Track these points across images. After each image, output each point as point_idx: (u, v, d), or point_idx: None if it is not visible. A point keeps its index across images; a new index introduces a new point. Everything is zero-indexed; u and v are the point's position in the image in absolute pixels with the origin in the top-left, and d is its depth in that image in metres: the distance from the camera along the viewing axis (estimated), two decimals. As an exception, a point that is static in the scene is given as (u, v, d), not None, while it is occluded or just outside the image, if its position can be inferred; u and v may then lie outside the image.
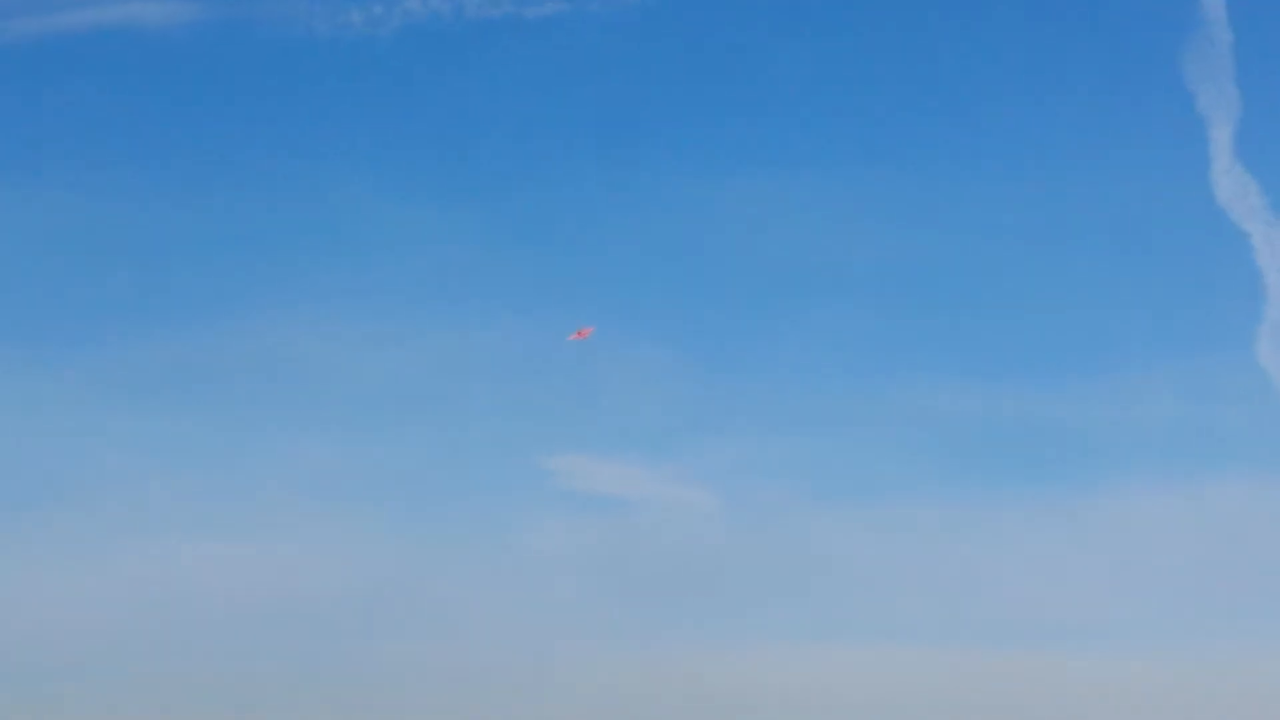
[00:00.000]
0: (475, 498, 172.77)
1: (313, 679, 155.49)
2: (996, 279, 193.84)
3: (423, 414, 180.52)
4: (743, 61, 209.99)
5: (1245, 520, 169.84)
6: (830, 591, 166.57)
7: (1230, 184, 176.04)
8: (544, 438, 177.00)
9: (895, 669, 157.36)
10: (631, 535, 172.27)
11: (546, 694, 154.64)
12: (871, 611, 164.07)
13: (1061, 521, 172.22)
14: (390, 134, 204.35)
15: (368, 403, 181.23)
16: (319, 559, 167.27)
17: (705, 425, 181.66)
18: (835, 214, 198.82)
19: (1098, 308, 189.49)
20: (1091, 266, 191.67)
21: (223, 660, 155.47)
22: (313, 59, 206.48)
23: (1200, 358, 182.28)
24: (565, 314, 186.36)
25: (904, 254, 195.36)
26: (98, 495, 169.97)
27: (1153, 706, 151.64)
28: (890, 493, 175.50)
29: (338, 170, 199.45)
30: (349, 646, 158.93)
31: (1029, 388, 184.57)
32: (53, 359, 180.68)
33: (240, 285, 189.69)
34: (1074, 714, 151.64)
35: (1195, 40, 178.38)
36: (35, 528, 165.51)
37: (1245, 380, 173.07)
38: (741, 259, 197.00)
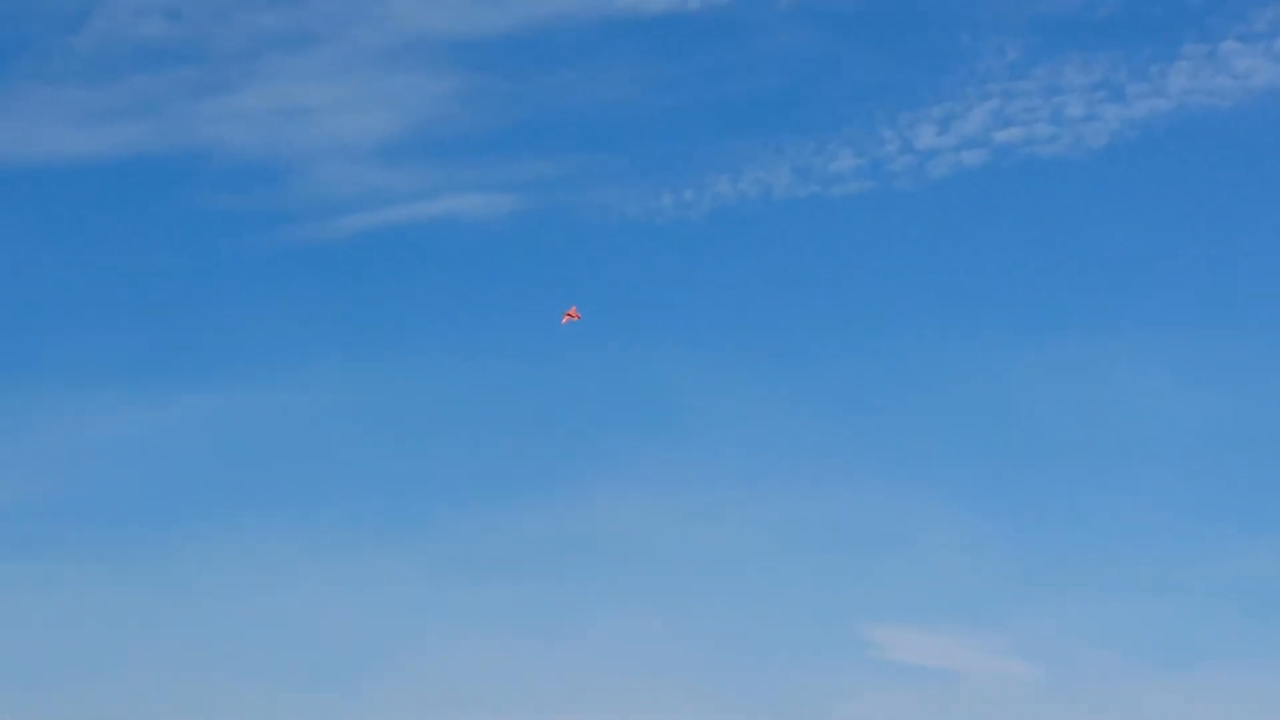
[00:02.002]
0: (796, 668, 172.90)
1: None
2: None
3: (744, 585, 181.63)
4: (1060, 228, 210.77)
5: None
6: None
7: None
8: (865, 606, 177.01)
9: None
10: (954, 708, 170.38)
11: None
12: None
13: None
14: (704, 312, 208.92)
15: (691, 575, 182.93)
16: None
17: (1028, 593, 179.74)
18: (1157, 375, 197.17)
19: None
20: None
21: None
22: (626, 243, 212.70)
23: None
24: (887, 483, 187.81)
25: (1230, 415, 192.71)
26: (427, 668, 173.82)
27: None
28: (1222, 660, 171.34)
29: (655, 349, 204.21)
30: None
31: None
32: (386, 535, 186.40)
33: (566, 462, 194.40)
34: None
35: None
36: (365, 702, 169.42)
37: None
38: (1062, 422, 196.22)
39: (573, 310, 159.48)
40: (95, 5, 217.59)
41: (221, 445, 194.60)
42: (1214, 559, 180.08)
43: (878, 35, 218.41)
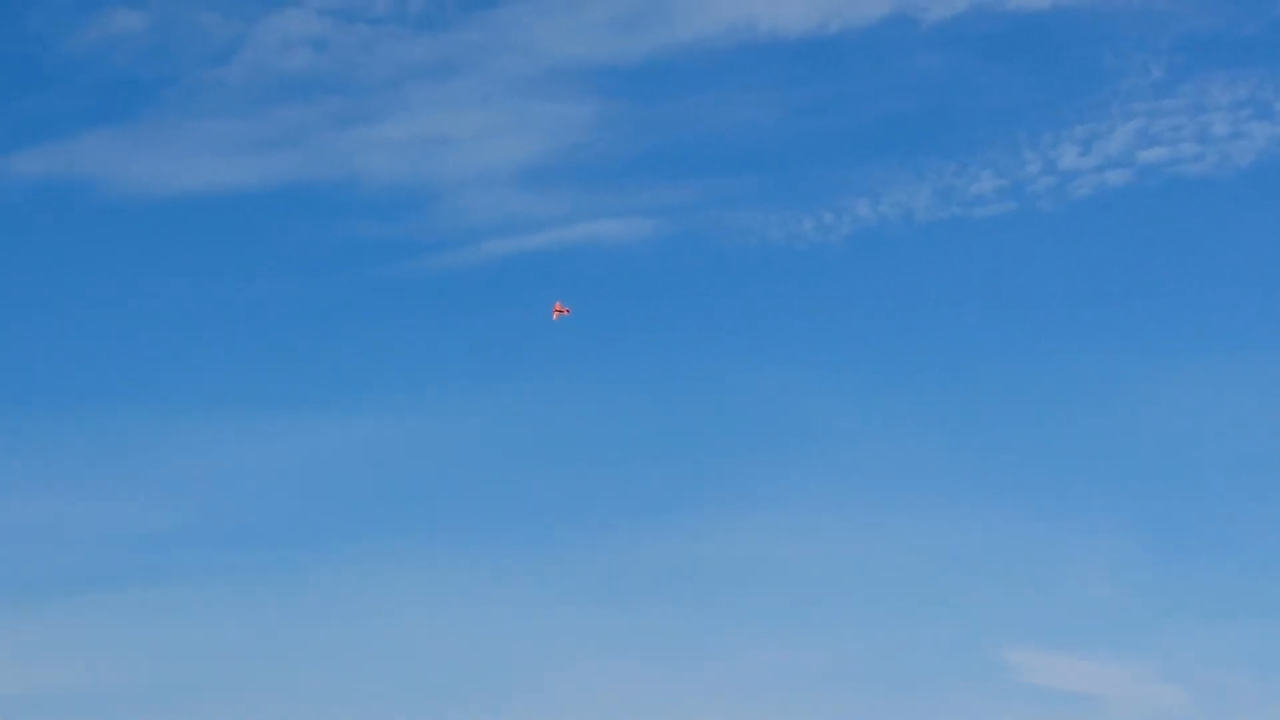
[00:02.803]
0: (934, 692, 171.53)
1: None
2: None
3: (881, 608, 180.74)
4: (1206, 248, 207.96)
5: None
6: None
7: None
8: (1004, 629, 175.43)
9: None
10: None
11: None
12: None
13: None
14: (845, 336, 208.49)
15: (828, 599, 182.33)
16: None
17: (1174, 616, 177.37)
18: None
19: None
20: None
21: None
22: (766, 267, 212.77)
23: None
24: (1027, 506, 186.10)
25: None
26: (564, 691, 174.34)
27: None
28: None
29: (794, 372, 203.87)
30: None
31: None
32: (525, 558, 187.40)
33: (704, 486, 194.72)
34: None
35: None
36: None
37: None
38: (1210, 445, 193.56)
39: (559, 305, 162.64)
40: (244, 39, 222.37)
41: (366, 470, 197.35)
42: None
43: (1019, 56, 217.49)
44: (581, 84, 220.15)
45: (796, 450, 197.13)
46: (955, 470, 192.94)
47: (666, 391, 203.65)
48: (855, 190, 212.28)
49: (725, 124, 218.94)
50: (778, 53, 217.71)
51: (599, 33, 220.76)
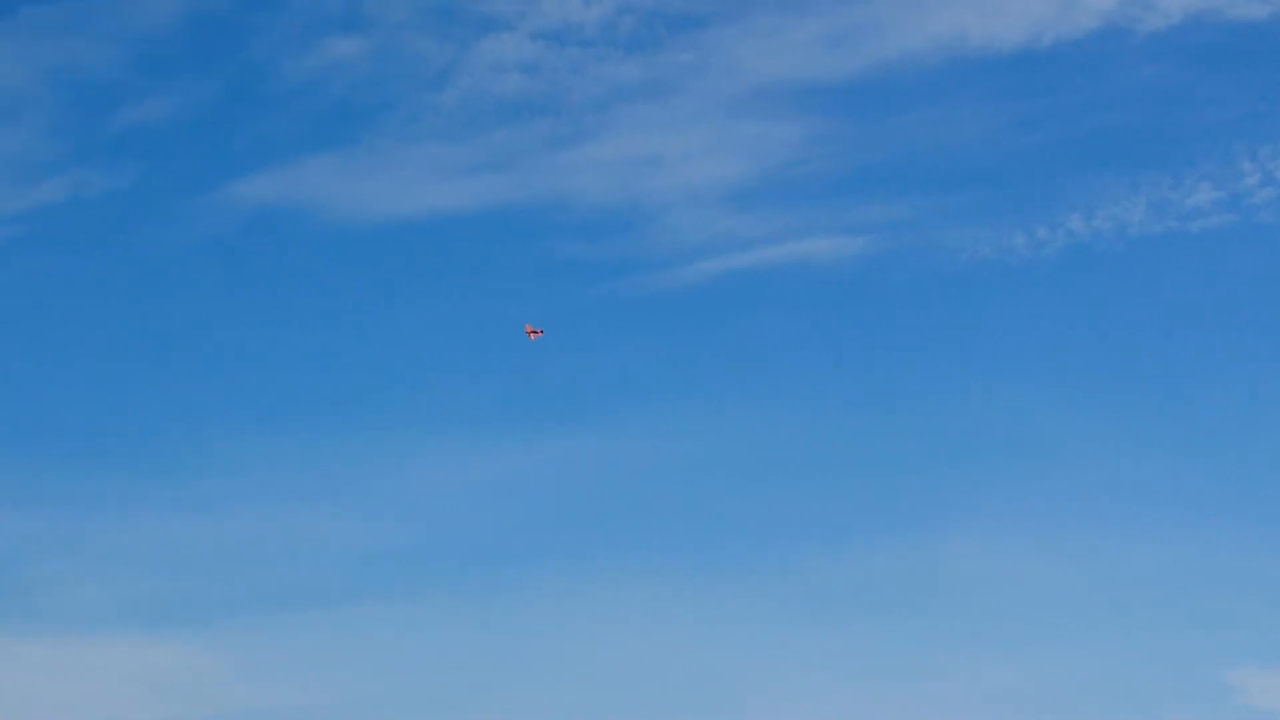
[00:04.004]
0: (1153, 712, 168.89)
1: None
2: None
3: (1099, 628, 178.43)
4: None
5: None
6: None
7: None
8: (1224, 650, 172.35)
9: None
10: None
11: None
12: None
13: None
14: (1059, 351, 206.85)
15: (1044, 618, 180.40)
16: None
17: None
18: None
19: None
20: None
21: None
22: (978, 283, 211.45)
23: None
24: (1249, 523, 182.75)
25: None
26: (774, 709, 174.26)
27: None
28: None
29: (1008, 388, 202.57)
30: None
31: None
32: (737, 575, 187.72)
33: (917, 502, 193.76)
34: None
35: None
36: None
37: None
38: None
39: (529, 328, 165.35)
40: (457, 64, 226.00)
41: (580, 489, 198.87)
42: None
43: (1236, 66, 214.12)
44: (790, 102, 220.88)
45: (1010, 467, 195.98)
46: (1173, 487, 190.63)
47: (876, 409, 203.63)
48: (1068, 204, 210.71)
49: (935, 140, 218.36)
50: (989, 67, 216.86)
51: (807, 51, 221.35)
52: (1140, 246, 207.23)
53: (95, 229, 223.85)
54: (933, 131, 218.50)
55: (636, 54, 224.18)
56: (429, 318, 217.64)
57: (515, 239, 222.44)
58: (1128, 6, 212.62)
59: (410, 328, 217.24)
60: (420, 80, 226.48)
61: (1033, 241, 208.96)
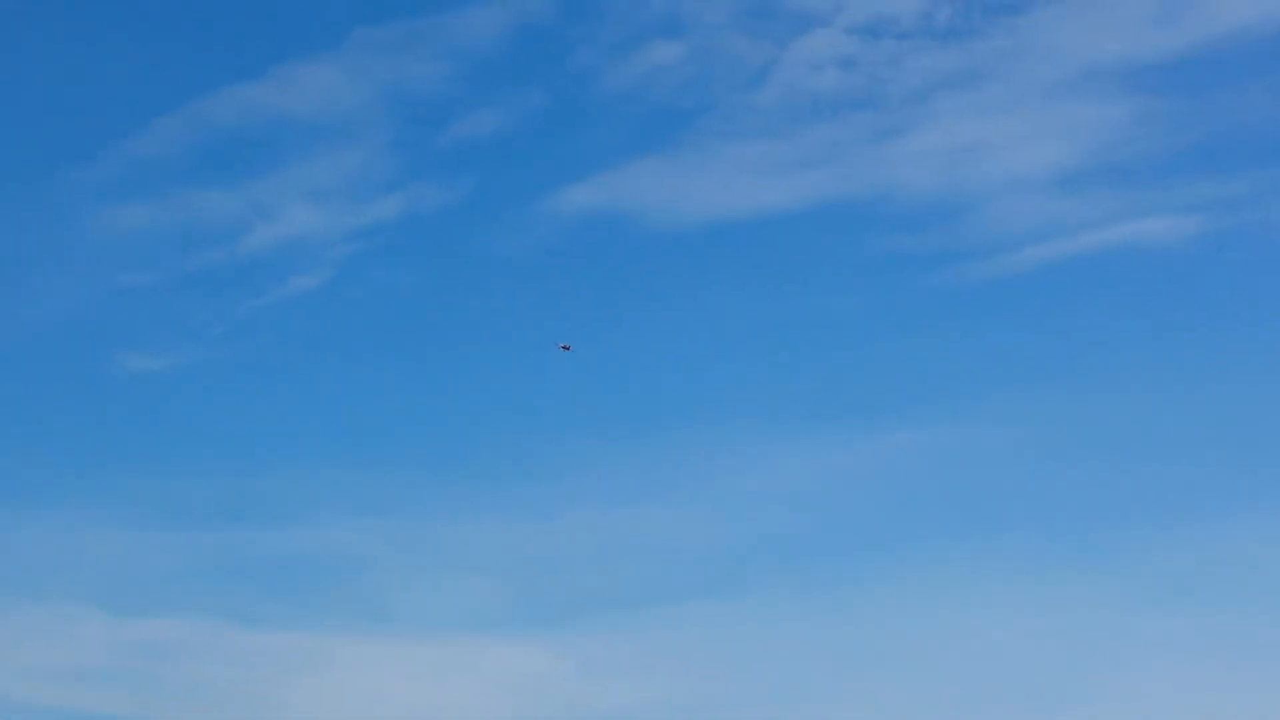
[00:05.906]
0: None
1: None
2: None
3: None
4: None
5: None
6: None
7: None
8: None
9: None
10: None
11: None
12: None
13: None
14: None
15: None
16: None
17: None
18: None
19: None
20: None
21: None
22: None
23: None
24: None
25: None
26: (1117, 696, 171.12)
27: None
28: None
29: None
30: None
31: None
32: (1077, 561, 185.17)
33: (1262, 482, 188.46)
34: None
35: None
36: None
37: None
38: None
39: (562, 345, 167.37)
40: (774, 63, 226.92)
41: (923, 477, 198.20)
42: None
43: None
44: (1115, 83, 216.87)
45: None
46: None
47: (1217, 391, 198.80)
48: None
49: (1271, 113, 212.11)
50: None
51: (1131, 30, 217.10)
52: None
53: (431, 241, 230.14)
54: (1267, 105, 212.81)
55: (953, 43, 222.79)
56: (754, 315, 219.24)
57: (841, 233, 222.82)
58: None
59: (735, 326, 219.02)
60: (738, 80, 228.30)
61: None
